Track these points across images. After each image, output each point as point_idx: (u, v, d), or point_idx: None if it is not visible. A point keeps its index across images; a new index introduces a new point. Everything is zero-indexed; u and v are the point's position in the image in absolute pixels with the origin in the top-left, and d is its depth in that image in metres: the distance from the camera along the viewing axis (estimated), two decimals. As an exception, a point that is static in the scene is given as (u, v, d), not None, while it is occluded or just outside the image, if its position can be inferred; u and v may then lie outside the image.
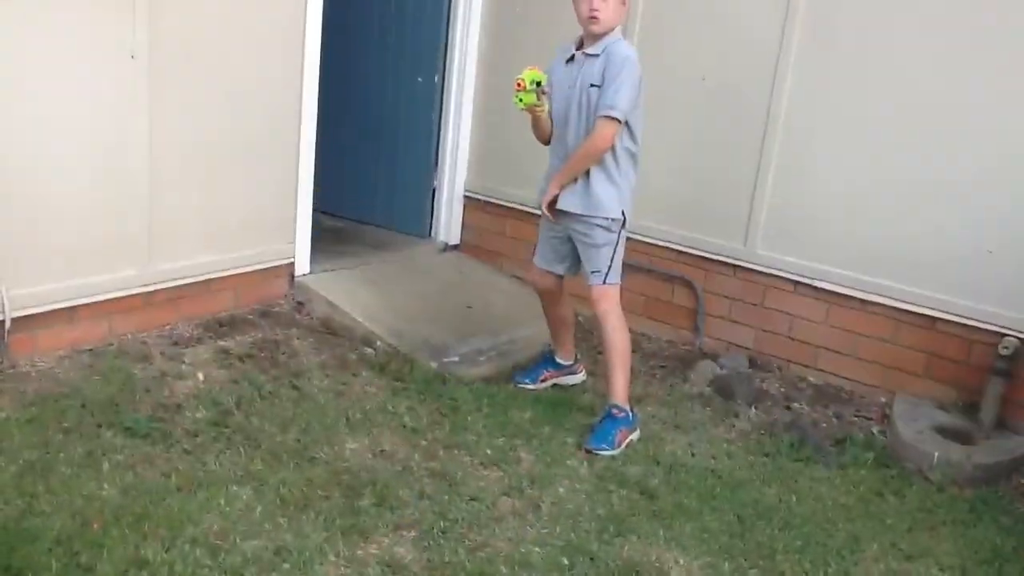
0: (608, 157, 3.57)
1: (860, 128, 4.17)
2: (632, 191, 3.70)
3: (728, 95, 4.52)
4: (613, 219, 3.63)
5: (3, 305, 3.49)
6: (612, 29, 3.54)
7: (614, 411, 3.66)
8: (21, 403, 3.32)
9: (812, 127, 4.30)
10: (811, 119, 4.30)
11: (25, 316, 3.59)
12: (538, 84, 3.51)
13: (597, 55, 3.53)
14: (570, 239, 3.78)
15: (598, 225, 3.63)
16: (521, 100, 3.52)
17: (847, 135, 4.21)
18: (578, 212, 3.64)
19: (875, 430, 3.98)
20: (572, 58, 3.63)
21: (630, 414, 3.69)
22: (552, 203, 3.69)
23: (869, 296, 4.21)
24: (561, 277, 3.95)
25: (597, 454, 3.51)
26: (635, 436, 3.68)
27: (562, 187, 3.65)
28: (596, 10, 3.47)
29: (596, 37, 3.54)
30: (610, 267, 3.68)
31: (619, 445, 3.58)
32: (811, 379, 4.43)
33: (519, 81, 3.49)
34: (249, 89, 4.23)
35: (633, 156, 3.64)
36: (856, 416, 4.12)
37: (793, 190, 4.38)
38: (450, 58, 5.32)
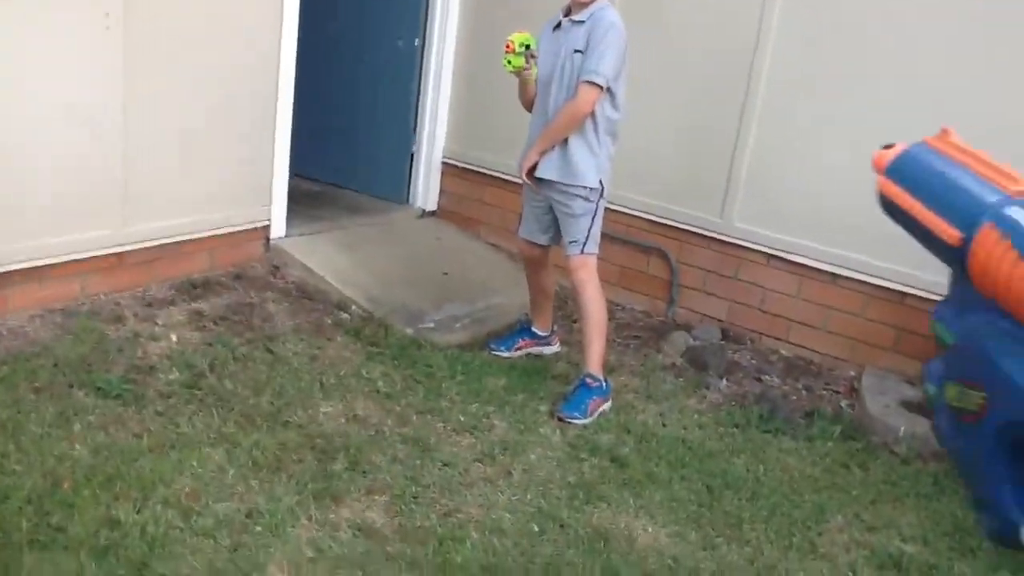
0: (588, 125, 3.57)
1: (837, 102, 4.19)
2: (611, 160, 3.70)
3: (708, 65, 4.52)
4: (591, 188, 3.63)
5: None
6: None
7: (588, 380, 3.69)
8: (-9, 362, 3.30)
9: (791, 101, 4.31)
10: (790, 93, 4.31)
11: (-3, 274, 3.56)
12: (527, 47, 3.51)
13: (583, 22, 3.51)
14: (551, 209, 3.78)
15: (576, 195, 3.64)
16: (510, 63, 3.52)
17: (824, 109, 4.22)
18: (555, 180, 3.64)
19: (844, 403, 4.04)
20: (559, 25, 3.61)
21: (604, 383, 3.72)
22: (532, 170, 3.69)
23: (840, 270, 4.26)
24: (546, 247, 3.96)
25: (569, 422, 3.55)
26: (607, 406, 3.71)
27: (542, 153, 3.64)
28: None
29: (583, 5, 3.52)
30: (587, 237, 3.69)
31: (591, 414, 3.61)
32: (782, 352, 4.49)
33: (508, 43, 3.49)
34: (225, 51, 4.18)
35: (613, 125, 3.64)
36: (825, 389, 4.17)
37: (771, 163, 4.40)
38: (431, 22, 5.28)
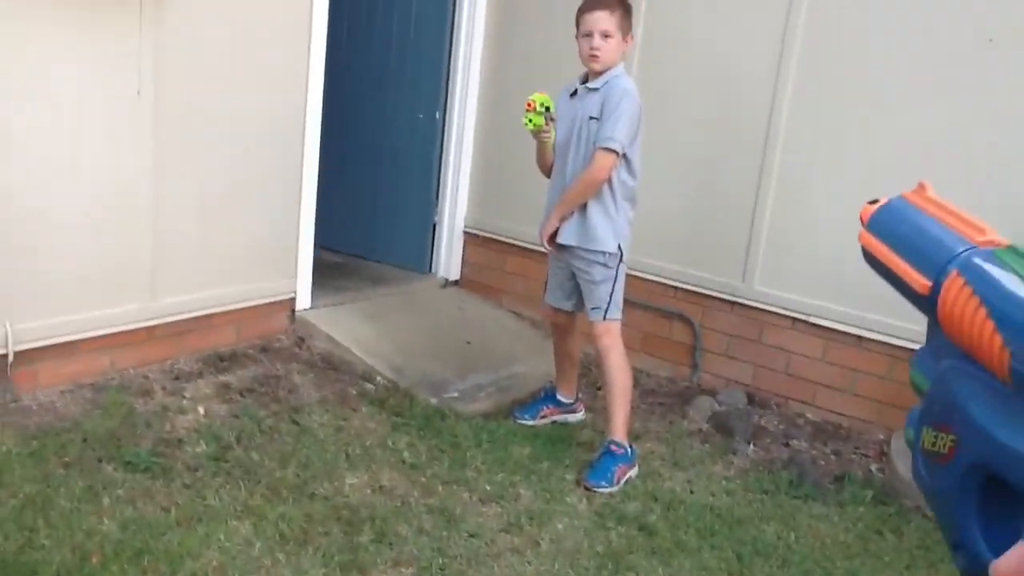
0: (605, 190, 3.61)
1: (856, 164, 4.22)
2: (630, 225, 3.74)
3: (726, 131, 4.58)
4: (610, 253, 3.66)
5: (7, 339, 3.51)
6: (613, 66, 3.60)
7: (613, 447, 3.67)
8: (22, 437, 3.33)
9: (808, 163, 4.35)
10: (807, 156, 4.35)
11: (28, 350, 3.61)
12: (547, 108, 3.57)
13: (597, 89, 3.58)
14: (574, 275, 3.81)
15: (595, 261, 3.67)
16: (531, 121, 3.57)
17: (843, 172, 4.25)
18: (575, 245, 3.68)
19: (873, 467, 3.99)
20: (575, 92, 3.69)
21: (629, 450, 3.70)
22: (553, 236, 3.73)
23: (865, 332, 4.24)
24: (571, 314, 3.98)
25: (596, 491, 3.52)
26: (634, 472, 3.69)
27: (562, 219, 3.69)
28: (596, 49, 3.53)
29: (598, 73, 3.60)
30: (609, 303, 3.71)
31: (618, 482, 3.59)
32: (809, 416, 4.45)
33: (529, 102, 3.55)
34: (252, 126, 4.28)
35: (630, 191, 3.68)
36: (855, 453, 4.13)
37: (791, 227, 4.42)
38: (451, 95, 5.39)
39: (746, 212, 4.52)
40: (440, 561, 2.92)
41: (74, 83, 3.59)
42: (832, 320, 4.33)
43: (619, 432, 3.70)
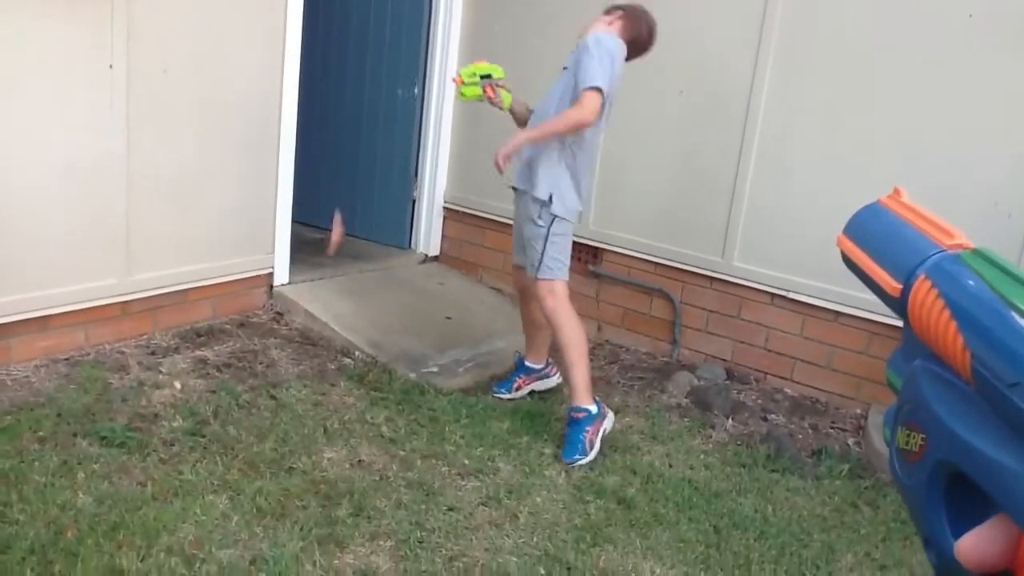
0: (554, 143, 3.52)
1: (834, 141, 4.22)
2: (575, 191, 3.62)
3: (706, 108, 4.58)
4: (543, 204, 3.58)
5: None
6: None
7: (574, 415, 3.62)
8: (-5, 412, 3.30)
9: (787, 140, 4.35)
10: (786, 132, 4.35)
11: (1, 324, 3.57)
12: (486, 76, 3.63)
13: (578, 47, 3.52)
14: None
15: (531, 216, 3.62)
16: (463, 94, 3.68)
17: (821, 148, 4.26)
18: (519, 187, 3.69)
19: (850, 441, 4.02)
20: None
21: (592, 410, 3.61)
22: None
23: (843, 308, 4.25)
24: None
25: (574, 466, 3.52)
26: (608, 423, 3.64)
27: (528, 141, 3.53)
28: None
29: (580, 37, 3.56)
30: (541, 260, 3.61)
31: (591, 446, 3.56)
32: (787, 391, 4.47)
33: (455, 78, 3.72)
34: (227, 101, 4.23)
35: (575, 160, 3.58)
36: (832, 428, 4.15)
37: (770, 203, 4.43)
38: (430, 71, 5.35)
39: (726, 189, 4.52)
40: (418, 534, 2.91)
41: (45, 56, 3.53)
42: (810, 296, 4.35)
43: (579, 397, 3.62)
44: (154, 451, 3.21)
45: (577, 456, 3.55)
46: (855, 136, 4.16)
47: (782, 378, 4.51)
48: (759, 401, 4.37)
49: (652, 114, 4.65)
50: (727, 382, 4.52)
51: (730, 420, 4.13)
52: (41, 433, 3.20)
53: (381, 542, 2.86)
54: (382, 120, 5.52)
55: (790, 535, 3.20)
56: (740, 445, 3.90)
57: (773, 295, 4.48)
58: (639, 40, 3.61)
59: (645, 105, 4.59)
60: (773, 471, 3.69)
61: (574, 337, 3.63)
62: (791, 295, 4.40)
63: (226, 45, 4.17)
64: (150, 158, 3.94)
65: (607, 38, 3.48)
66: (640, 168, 4.69)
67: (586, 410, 3.62)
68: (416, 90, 5.37)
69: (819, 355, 4.40)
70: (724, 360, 4.67)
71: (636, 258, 4.84)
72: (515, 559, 2.86)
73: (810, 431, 4.12)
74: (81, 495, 2.87)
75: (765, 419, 4.19)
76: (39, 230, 3.64)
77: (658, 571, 2.90)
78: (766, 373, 4.56)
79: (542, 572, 2.81)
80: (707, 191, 4.59)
